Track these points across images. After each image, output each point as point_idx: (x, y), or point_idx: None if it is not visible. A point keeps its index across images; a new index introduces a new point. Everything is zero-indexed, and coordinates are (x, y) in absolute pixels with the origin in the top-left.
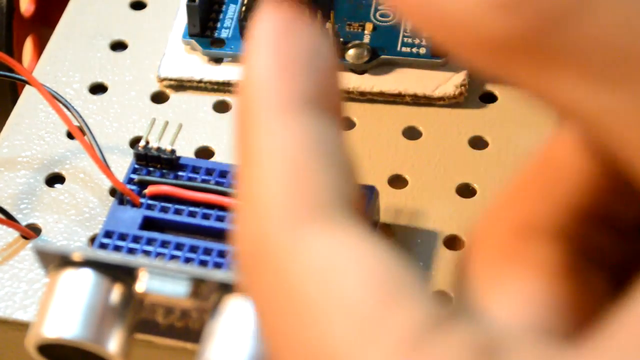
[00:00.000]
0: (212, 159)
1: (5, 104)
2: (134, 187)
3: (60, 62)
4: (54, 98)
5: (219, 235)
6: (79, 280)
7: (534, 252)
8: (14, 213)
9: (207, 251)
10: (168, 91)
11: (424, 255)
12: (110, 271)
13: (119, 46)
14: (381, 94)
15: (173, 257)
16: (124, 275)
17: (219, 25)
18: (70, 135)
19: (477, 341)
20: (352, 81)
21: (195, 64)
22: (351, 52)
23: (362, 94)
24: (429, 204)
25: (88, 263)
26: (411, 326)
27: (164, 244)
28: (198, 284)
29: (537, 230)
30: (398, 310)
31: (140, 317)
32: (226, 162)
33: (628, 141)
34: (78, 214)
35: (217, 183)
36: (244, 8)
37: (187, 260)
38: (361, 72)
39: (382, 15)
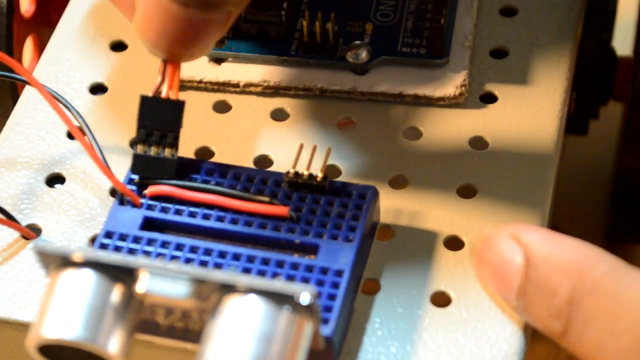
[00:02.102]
0: (212, 159)
1: (5, 104)
2: (134, 188)
3: (61, 62)
4: (54, 98)
5: (220, 235)
6: (79, 281)
7: None
8: (14, 213)
9: (208, 252)
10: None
11: (424, 255)
12: (110, 272)
13: (119, 46)
14: (381, 94)
15: (173, 257)
16: (125, 275)
17: None
18: (70, 136)
19: None
20: (352, 81)
21: (195, 64)
22: (351, 52)
23: (363, 94)
24: (429, 204)
25: (88, 263)
26: None
27: (164, 244)
28: (198, 284)
29: None
30: None
31: (140, 317)
32: (226, 163)
33: None
34: (78, 215)
35: (217, 183)
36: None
37: (188, 260)
38: (361, 72)
39: (382, 15)
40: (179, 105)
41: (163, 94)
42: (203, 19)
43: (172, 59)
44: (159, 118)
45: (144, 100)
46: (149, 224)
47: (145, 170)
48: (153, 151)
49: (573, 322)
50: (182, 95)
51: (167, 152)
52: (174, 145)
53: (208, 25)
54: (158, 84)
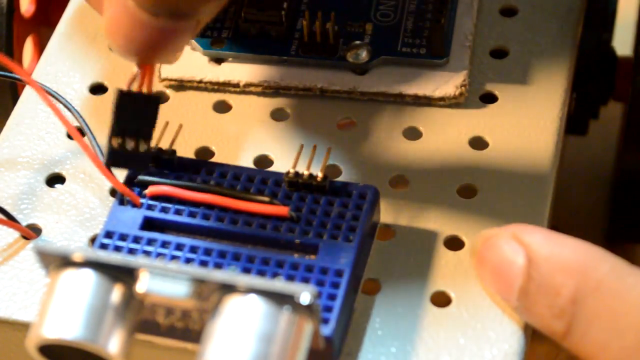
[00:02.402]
0: (212, 159)
1: (6, 104)
2: (134, 188)
3: (61, 62)
4: (54, 98)
5: (220, 235)
6: (79, 281)
7: None
8: (14, 213)
9: (208, 251)
10: (168, 91)
11: (424, 255)
12: (110, 272)
13: None
14: (381, 94)
15: (173, 257)
16: (125, 275)
17: (219, 25)
18: (70, 136)
19: None
20: (352, 81)
21: (195, 64)
22: (351, 52)
23: (363, 94)
24: (429, 204)
25: (89, 263)
26: None
27: (164, 244)
28: (198, 284)
29: None
30: None
31: (140, 317)
32: (226, 163)
33: None
34: (78, 215)
35: (217, 183)
36: (244, 8)
37: (188, 260)
38: (361, 72)
39: (382, 15)
40: (154, 100)
41: (139, 89)
42: (173, 27)
43: (141, 63)
44: (134, 112)
45: (120, 94)
46: (149, 224)
47: (120, 162)
48: (128, 145)
49: (576, 322)
50: (182, 95)
51: (142, 147)
52: (148, 139)
53: (177, 32)
54: (132, 77)
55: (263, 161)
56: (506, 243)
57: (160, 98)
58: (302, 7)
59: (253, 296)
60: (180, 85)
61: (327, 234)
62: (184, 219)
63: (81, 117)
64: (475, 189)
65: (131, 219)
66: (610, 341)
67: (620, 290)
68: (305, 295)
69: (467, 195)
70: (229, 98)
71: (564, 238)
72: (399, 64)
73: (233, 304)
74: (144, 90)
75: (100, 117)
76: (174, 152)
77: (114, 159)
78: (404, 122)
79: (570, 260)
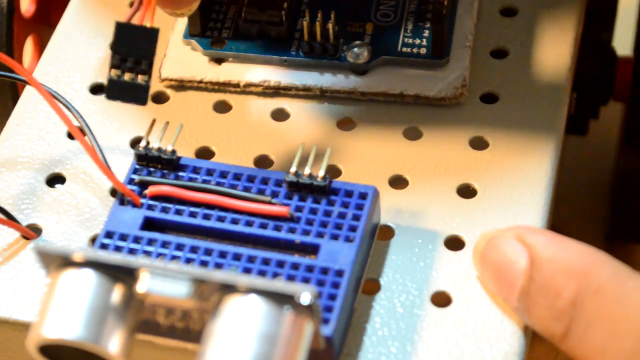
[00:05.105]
0: (213, 159)
1: (6, 104)
2: (134, 188)
3: (61, 62)
4: (54, 98)
5: (220, 235)
6: (80, 281)
7: None
8: (14, 213)
9: (208, 252)
10: (169, 91)
11: (425, 255)
12: (111, 272)
13: None
14: (382, 94)
15: (174, 257)
16: (125, 275)
17: (219, 25)
18: (70, 136)
19: None
20: (352, 81)
21: (196, 64)
22: (351, 52)
23: (363, 94)
24: (429, 204)
25: (89, 263)
26: None
27: (164, 244)
28: (199, 284)
29: None
30: None
31: (141, 317)
32: (226, 163)
33: None
34: (79, 215)
35: (218, 183)
36: (244, 8)
37: (188, 260)
38: (362, 73)
39: (382, 15)
40: (153, 33)
41: (138, 22)
42: None
43: None
44: (133, 45)
45: (119, 26)
46: (149, 224)
47: (119, 95)
48: (127, 77)
49: (575, 324)
50: (183, 95)
51: (140, 79)
52: (148, 72)
53: None
54: (133, 10)
55: (263, 161)
56: (509, 243)
57: (158, 31)
58: (303, 7)
59: (253, 296)
60: (181, 86)
61: (327, 234)
62: (184, 219)
63: (81, 117)
64: (475, 189)
65: (131, 219)
66: (608, 345)
67: (621, 294)
68: (305, 295)
69: (468, 195)
70: (229, 98)
71: (568, 241)
72: (399, 64)
73: (233, 304)
74: (145, 23)
75: (100, 117)
76: (174, 152)
77: (113, 90)
78: (404, 122)
79: (573, 263)
